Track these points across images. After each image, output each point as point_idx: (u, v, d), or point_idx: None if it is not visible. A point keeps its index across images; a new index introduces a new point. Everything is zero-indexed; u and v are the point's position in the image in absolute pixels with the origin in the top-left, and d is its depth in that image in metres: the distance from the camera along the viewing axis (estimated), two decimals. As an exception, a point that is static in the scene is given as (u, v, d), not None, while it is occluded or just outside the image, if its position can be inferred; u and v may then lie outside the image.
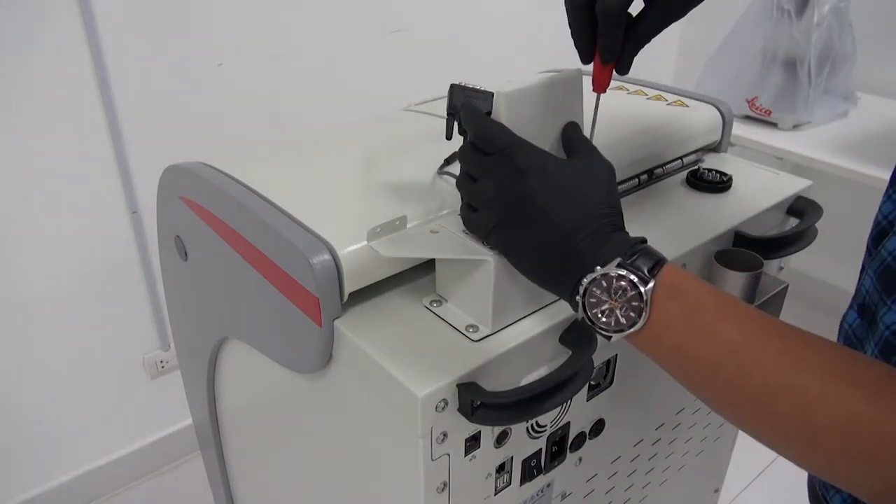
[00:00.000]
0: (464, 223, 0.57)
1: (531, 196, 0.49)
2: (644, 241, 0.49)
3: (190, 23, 1.23)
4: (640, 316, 0.46)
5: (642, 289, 0.46)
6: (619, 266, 0.46)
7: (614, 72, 0.57)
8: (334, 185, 0.67)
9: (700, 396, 0.47)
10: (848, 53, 1.50)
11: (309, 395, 0.66)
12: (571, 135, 0.56)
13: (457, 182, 0.56)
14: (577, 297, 0.48)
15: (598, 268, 0.47)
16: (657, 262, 0.47)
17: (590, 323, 0.49)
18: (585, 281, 0.47)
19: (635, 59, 0.56)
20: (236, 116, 1.34)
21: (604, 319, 0.48)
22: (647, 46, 0.54)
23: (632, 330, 0.47)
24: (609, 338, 0.48)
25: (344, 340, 0.56)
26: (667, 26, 0.54)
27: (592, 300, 0.48)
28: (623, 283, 0.46)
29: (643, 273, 0.46)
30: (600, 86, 0.57)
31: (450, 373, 0.51)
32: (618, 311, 0.47)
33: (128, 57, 1.18)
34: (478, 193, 0.53)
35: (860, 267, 0.55)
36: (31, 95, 1.12)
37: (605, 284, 0.47)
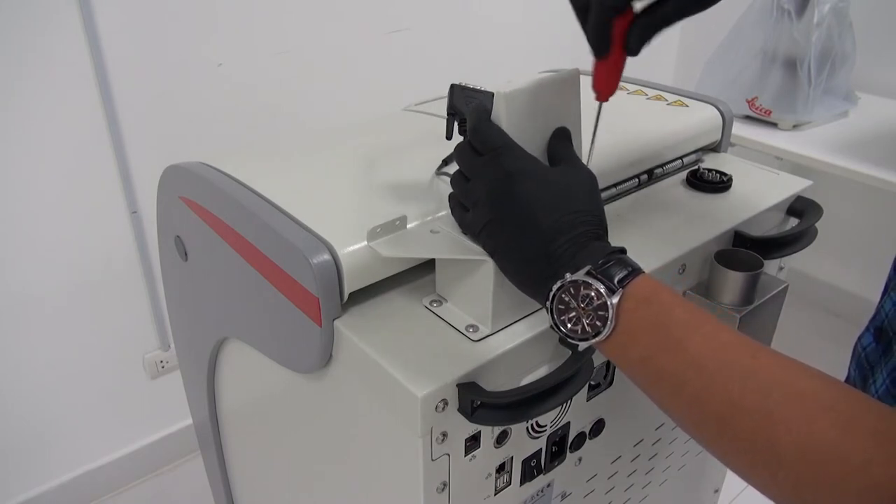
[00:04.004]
0: (457, 222, 0.57)
1: (516, 199, 0.50)
2: (623, 250, 0.49)
3: (190, 23, 1.23)
4: (605, 325, 0.46)
5: (608, 298, 0.45)
6: (588, 274, 0.46)
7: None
8: (334, 185, 0.67)
9: (667, 411, 0.46)
10: (848, 53, 1.50)
11: (309, 395, 0.66)
12: (556, 144, 0.56)
13: (451, 180, 0.56)
14: (547, 303, 0.48)
15: (568, 275, 0.47)
16: (630, 272, 0.47)
17: (557, 329, 0.49)
18: (555, 287, 0.48)
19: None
20: (236, 116, 1.34)
21: (570, 326, 0.48)
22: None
23: (596, 339, 0.47)
24: (576, 346, 0.48)
25: (344, 340, 0.56)
26: (680, 19, 0.52)
27: (561, 307, 0.48)
28: (590, 291, 0.46)
29: (611, 282, 0.46)
30: (602, 94, 0.56)
31: (450, 373, 0.51)
32: (584, 319, 0.47)
33: (128, 57, 1.18)
34: (470, 193, 0.53)
35: (882, 288, 0.54)
36: (31, 95, 1.12)
37: (573, 291, 0.47)
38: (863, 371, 0.55)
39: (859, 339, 0.56)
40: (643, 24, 0.51)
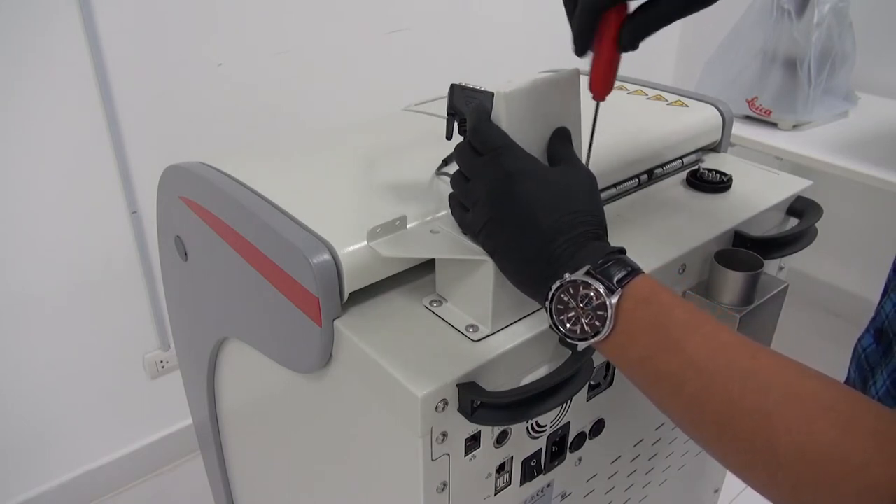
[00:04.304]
0: (457, 222, 0.57)
1: (516, 199, 0.50)
2: (622, 250, 0.49)
3: (190, 23, 1.23)
4: (604, 325, 0.46)
5: (607, 298, 0.45)
6: (588, 273, 0.46)
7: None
8: (334, 185, 0.67)
9: (666, 412, 0.46)
10: (848, 53, 1.50)
11: (309, 395, 0.66)
12: (556, 144, 0.56)
13: (451, 180, 0.56)
14: (546, 303, 0.48)
15: (567, 274, 0.47)
16: (630, 273, 0.47)
17: (556, 329, 0.48)
18: (554, 287, 0.47)
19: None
20: (236, 116, 1.34)
21: (569, 326, 0.48)
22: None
23: (595, 339, 0.46)
24: (575, 346, 0.48)
25: (344, 340, 0.56)
26: (676, 18, 0.51)
27: (560, 306, 0.48)
28: (589, 291, 0.46)
29: (611, 282, 0.46)
30: (598, 94, 0.56)
31: (450, 373, 0.51)
32: (583, 319, 0.47)
33: (128, 57, 1.18)
34: (470, 193, 0.53)
35: (882, 289, 0.54)
36: (32, 95, 1.12)
37: (572, 291, 0.47)
38: (863, 372, 0.55)
39: (859, 340, 0.56)
40: (638, 23, 0.50)
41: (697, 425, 0.43)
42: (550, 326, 0.49)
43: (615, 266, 0.47)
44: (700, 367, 0.42)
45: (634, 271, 0.47)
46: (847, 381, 0.61)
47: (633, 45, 0.52)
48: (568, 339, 0.48)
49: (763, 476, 0.40)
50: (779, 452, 0.38)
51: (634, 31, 0.51)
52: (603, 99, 0.56)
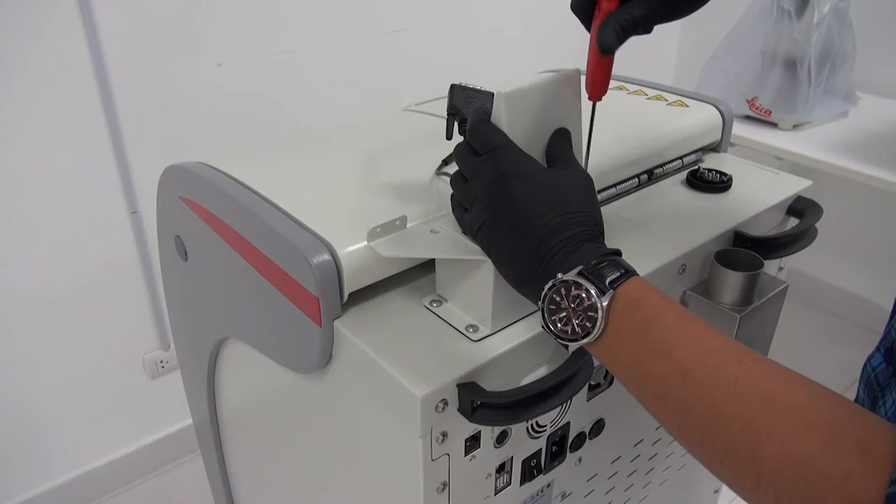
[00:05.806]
0: (457, 222, 0.57)
1: (511, 199, 0.50)
2: (617, 252, 0.49)
3: (190, 23, 1.23)
4: (594, 326, 0.45)
5: (598, 299, 0.45)
6: (580, 274, 0.46)
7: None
8: (334, 185, 0.67)
9: (654, 416, 0.46)
10: (848, 53, 1.50)
11: (309, 395, 0.66)
12: (554, 145, 0.56)
13: (451, 180, 0.56)
14: (539, 303, 0.48)
15: (560, 274, 0.47)
16: (623, 274, 0.46)
17: (547, 329, 0.48)
18: (546, 287, 0.47)
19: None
20: (236, 116, 1.34)
21: (560, 326, 0.47)
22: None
23: (586, 340, 0.46)
24: (566, 346, 0.48)
25: (344, 340, 0.56)
26: (654, 23, 0.51)
27: (552, 307, 0.47)
28: (581, 291, 0.46)
29: (602, 283, 0.45)
30: (592, 94, 0.56)
31: (450, 373, 0.51)
32: (574, 320, 0.46)
33: (128, 57, 1.18)
34: (468, 193, 0.53)
35: (892, 308, 0.53)
36: (32, 95, 1.12)
37: (563, 291, 0.46)
38: (872, 392, 0.54)
39: (869, 359, 0.56)
40: (613, 20, 0.51)
41: (683, 430, 0.43)
42: (542, 326, 0.49)
43: (608, 267, 0.46)
44: (685, 371, 0.42)
45: (627, 273, 0.47)
46: (856, 401, 0.60)
47: (606, 46, 0.51)
48: (559, 340, 0.48)
49: (748, 484, 0.39)
50: (762, 461, 0.38)
51: (609, 30, 0.51)
52: (598, 99, 0.56)
